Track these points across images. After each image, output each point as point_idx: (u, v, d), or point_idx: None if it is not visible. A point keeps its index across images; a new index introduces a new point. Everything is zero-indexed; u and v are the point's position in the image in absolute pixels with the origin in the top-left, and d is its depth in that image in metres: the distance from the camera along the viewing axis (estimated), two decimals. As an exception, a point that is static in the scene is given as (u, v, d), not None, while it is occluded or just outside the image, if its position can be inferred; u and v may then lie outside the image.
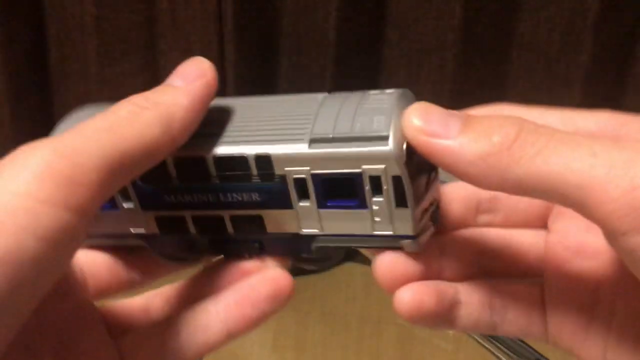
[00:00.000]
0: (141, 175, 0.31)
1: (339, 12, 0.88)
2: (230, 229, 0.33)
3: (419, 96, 1.00)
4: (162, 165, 0.31)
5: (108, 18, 0.87)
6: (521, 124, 0.26)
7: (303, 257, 0.34)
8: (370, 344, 0.69)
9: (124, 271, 0.35)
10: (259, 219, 0.32)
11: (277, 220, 0.32)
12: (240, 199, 0.32)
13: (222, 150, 0.31)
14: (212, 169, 0.31)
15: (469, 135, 0.26)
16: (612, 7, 0.86)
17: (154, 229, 0.34)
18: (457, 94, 0.91)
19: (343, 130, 0.29)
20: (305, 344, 0.67)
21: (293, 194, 0.31)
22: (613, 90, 0.91)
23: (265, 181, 0.31)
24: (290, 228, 0.32)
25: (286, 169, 0.30)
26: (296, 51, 0.91)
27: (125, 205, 0.33)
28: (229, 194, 0.32)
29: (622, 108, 0.30)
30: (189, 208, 0.33)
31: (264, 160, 0.30)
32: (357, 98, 0.31)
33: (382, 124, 0.29)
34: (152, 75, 0.90)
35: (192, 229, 0.33)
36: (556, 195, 0.24)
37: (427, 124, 0.27)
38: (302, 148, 0.30)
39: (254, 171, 0.31)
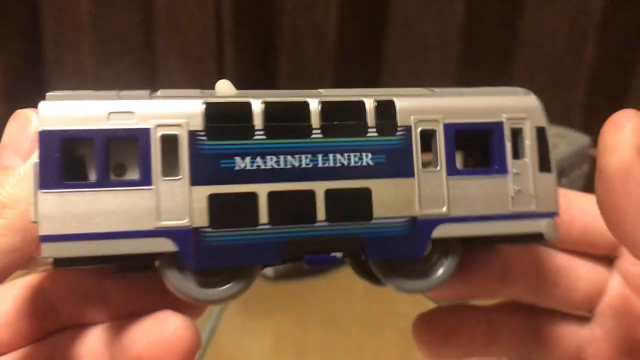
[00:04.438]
0: (207, 125, 0.24)
1: (339, 11, 0.87)
2: (322, 214, 0.24)
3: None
4: (245, 110, 0.24)
5: (105, 16, 0.87)
6: None
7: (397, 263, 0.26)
8: (371, 348, 0.68)
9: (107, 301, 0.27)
10: (366, 196, 0.25)
11: (390, 197, 0.25)
12: (345, 162, 0.25)
13: (332, 96, 0.25)
14: (315, 118, 0.25)
15: None
16: (617, 6, 0.85)
17: (202, 219, 0.24)
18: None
19: (472, 91, 0.27)
20: (305, 349, 0.66)
21: (417, 154, 0.25)
22: (618, 91, 0.90)
23: (384, 135, 0.25)
24: (405, 209, 0.25)
25: (413, 117, 0.25)
26: (296, 50, 0.90)
27: (165, 178, 0.23)
28: (331, 155, 0.24)
29: (625, 108, 0.28)
30: (267, 179, 0.24)
31: (385, 108, 0.25)
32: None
33: (512, 89, 0.28)
34: (149, 74, 0.90)
35: (263, 215, 0.24)
36: None
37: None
38: (432, 97, 0.26)
39: (371, 121, 0.25)
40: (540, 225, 0.26)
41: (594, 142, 0.73)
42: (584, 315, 0.32)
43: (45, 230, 0.23)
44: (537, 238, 0.27)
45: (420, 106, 0.25)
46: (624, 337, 0.30)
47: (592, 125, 0.86)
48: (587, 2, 0.85)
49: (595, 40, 0.86)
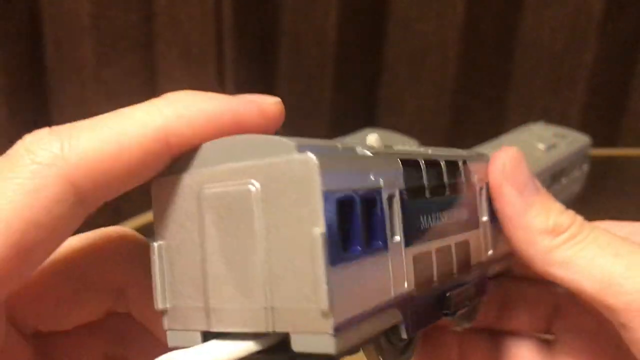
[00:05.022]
0: (406, 183, 0.22)
1: (339, 11, 0.87)
2: (455, 267, 0.25)
3: (420, 97, 0.99)
4: (419, 169, 0.24)
5: (105, 17, 0.87)
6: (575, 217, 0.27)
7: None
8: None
9: None
10: (468, 248, 0.26)
11: (475, 246, 0.27)
12: (459, 217, 0.26)
13: (442, 155, 0.26)
14: (445, 176, 0.25)
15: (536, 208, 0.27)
16: (617, 6, 0.86)
17: (412, 283, 0.22)
18: (459, 94, 0.91)
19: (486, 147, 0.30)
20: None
21: (480, 206, 0.27)
22: (617, 90, 0.90)
23: (469, 192, 0.27)
24: (478, 256, 0.27)
25: (476, 176, 0.27)
26: (296, 50, 0.90)
27: (392, 241, 0.21)
28: (454, 211, 0.25)
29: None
30: (431, 237, 0.24)
31: (466, 167, 0.27)
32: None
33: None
34: (150, 75, 0.89)
35: (435, 273, 0.23)
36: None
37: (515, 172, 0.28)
38: (475, 158, 0.28)
39: (463, 179, 0.26)
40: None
41: (594, 142, 0.73)
42: (545, 336, 0.33)
43: (339, 316, 0.18)
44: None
45: (476, 166, 0.28)
46: (583, 356, 0.31)
47: (592, 125, 0.86)
48: (587, 2, 0.85)
49: (595, 40, 0.86)
